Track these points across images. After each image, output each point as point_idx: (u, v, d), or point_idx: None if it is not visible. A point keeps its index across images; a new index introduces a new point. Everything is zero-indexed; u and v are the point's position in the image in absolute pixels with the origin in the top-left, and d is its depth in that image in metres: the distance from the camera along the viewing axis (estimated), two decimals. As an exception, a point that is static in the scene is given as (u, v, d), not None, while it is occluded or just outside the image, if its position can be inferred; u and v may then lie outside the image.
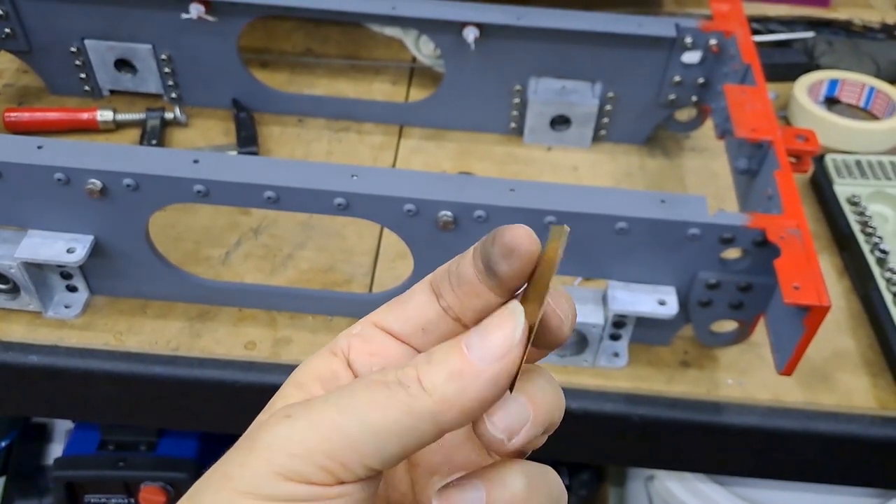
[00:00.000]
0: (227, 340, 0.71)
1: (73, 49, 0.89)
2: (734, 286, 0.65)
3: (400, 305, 0.35)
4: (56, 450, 1.23)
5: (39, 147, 0.64)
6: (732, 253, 0.64)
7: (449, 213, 0.62)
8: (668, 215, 0.62)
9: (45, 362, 0.70)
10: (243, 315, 0.73)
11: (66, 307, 0.72)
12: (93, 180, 0.63)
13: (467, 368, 0.30)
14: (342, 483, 0.29)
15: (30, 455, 1.23)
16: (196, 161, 0.63)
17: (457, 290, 0.33)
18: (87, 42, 0.89)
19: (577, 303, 0.39)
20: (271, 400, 0.33)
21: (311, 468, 0.29)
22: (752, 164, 0.73)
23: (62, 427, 1.24)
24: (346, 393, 0.30)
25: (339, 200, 0.62)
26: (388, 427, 0.29)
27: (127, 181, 0.63)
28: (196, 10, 0.83)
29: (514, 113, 0.91)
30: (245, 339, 0.71)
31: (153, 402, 0.73)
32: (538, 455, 0.33)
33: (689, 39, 0.82)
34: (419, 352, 0.34)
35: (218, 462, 0.30)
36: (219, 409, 0.73)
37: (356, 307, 0.73)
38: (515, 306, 0.31)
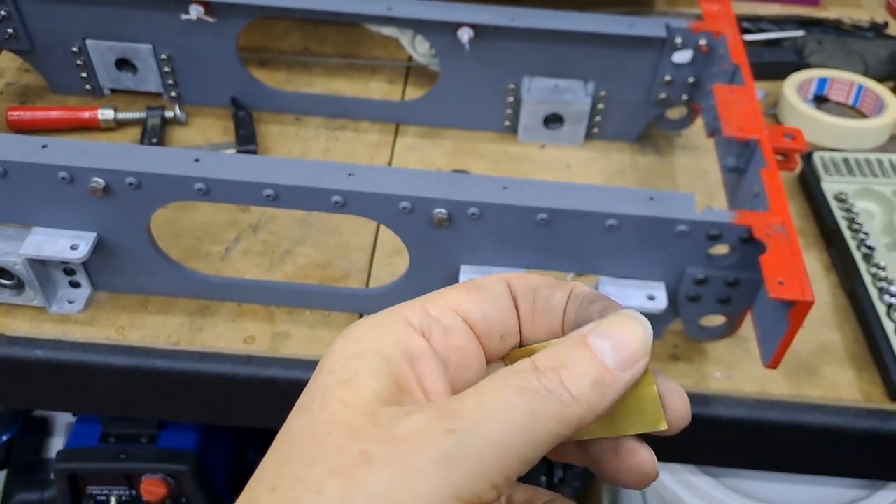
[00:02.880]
0: (226, 335, 0.73)
1: (74, 49, 0.91)
2: (722, 281, 0.67)
3: (479, 295, 0.34)
4: (57, 443, 1.24)
5: (44, 146, 0.65)
6: (720, 249, 0.65)
7: (443, 211, 0.64)
8: (657, 212, 0.63)
9: (49, 356, 0.71)
10: (242, 310, 0.75)
11: (70, 303, 0.74)
12: (96, 179, 0.64)
13: (608, 377, 0.30)
14: (501, 495, 0.28)
15: (31, 449, 1.24)
16: (197, 160, 0.65)
17: (538, 315, 0.35)
18: (88, 42, 0.90)
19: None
20: (331, 362, 0.31)
21: (486, 486, 0.28)
22: (739, 162, 0.75)
23: (63, 421, 1.25)
24: (502, 402, 0.29)
25: (336, 198, 0.64)
26: (546, 437, 0.29)
27: (129, 180, 0.64)
28: (196, 12, 0.85)
29: (509, 111, 0.93)
30: (244, 334, 0.73)
31: (154, 394, 0.74)
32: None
33: (679, 40, 0.84)
34: (486, 354, 0.35)
35: (356, 479, 0.27)
36: (218, 401, 0.74)
37: (353, 302, 0.75)
38: (636, 313, 0.32)
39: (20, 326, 0.72)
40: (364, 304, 0.75)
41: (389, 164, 0.91)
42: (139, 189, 0.65)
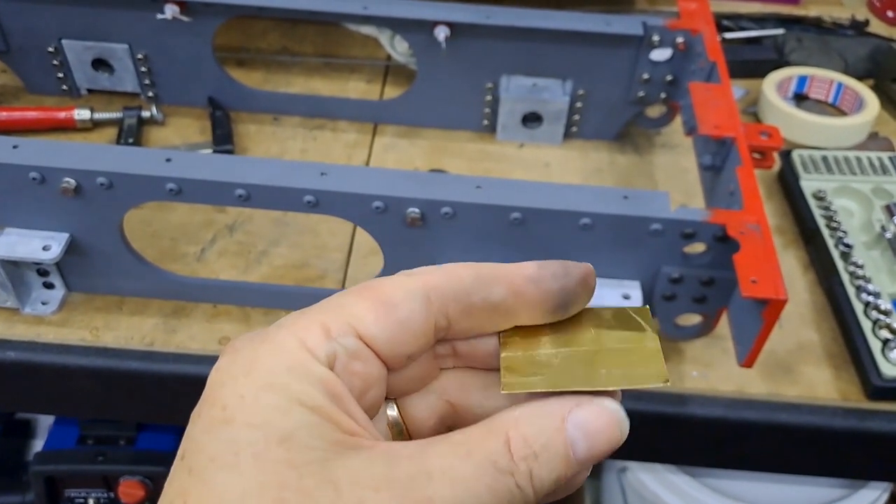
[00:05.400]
0: (201, 336, 0.72)
1: (50, 49, 0.90)
2: (697, 280, 0.66)
3: (387, 315, 0.31)
4: (39, 446, 1.23)
5: (15, 147, 0.65)
6: (695, 248, 0.65)
7: (416, 210, 0.63)
8: (631, 211, 0.63)
9: (22, 358, 0.71)
10: (218, 311, 0.74)
11: (44, 304, 0.73)
12: (67, 179, 0.64)
13: (570, 472, 0.30)
14: None
15: (12, 451, 1.24)
16: (168, 160, 0.64)
17: (476, 313, 0.32)
18: (64, 42, 0.90)
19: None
20: (244, 411, 0.29)
21: None
22: (715, 160, 0.74)
23: (45, 423, 1.25)
24: (473, 497, 0.28)
25: (308, 198, 0.63)
26: None
27: (100, 180, 0.64)
28: (171, 11, 0.84)
29: (487, 110, 0.93)
30: (219, 335, 0.72)
31: (129, 396, 0.74)
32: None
33: (656, 38, 0.84)
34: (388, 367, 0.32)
35: None
36: (194, 402, 0.73)
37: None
38: (620, 411, 0.31)
39: (-7, 328, 0.72)
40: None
41: (367, 163, 0.90)
42: (111, 189, 0.64)
